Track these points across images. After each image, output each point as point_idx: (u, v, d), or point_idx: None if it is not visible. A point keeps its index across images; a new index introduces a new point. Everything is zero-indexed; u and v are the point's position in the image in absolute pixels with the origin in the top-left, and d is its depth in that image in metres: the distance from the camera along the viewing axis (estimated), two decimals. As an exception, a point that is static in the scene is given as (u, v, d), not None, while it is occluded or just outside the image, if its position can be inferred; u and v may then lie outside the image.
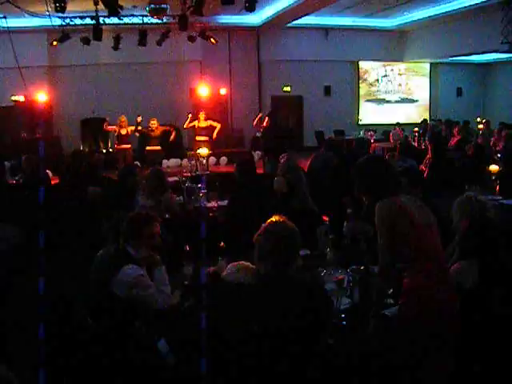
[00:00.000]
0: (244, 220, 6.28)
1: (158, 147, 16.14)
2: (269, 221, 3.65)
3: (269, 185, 7.33)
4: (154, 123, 15.98)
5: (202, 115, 16.98)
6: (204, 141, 16.51)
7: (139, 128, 16.01)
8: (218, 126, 17.08)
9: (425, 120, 24.17)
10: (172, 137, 16.56)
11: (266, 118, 18.42)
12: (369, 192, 4.21)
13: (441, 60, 26.41)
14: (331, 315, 3.69)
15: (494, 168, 9.28)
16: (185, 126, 17.42)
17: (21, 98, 20.27)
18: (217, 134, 17.03)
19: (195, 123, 16.94)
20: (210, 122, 16.94)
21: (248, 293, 3.57)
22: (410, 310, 3.77)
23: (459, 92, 27.69)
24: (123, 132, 15.97)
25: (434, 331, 3.69)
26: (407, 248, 3.82)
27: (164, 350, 3.68)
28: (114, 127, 16.24)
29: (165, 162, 18.07)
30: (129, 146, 16.27)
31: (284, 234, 3.50)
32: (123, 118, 16.06)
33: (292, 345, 3.19)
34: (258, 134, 19.13)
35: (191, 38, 19.02)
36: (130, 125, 16.08)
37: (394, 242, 3.85)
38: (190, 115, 17.23)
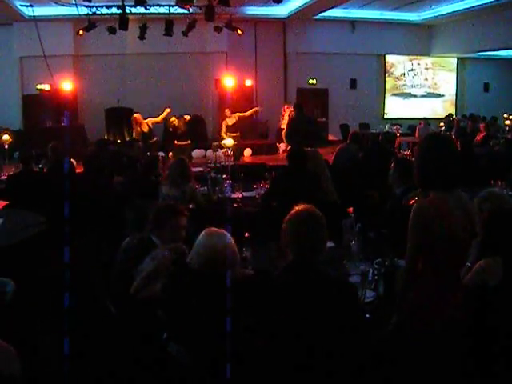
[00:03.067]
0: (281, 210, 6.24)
1: (188, 141, 16.13)
2: (296, 208, 3.60)
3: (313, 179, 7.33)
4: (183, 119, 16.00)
5: (227, 112, 16.95)
6: (234, 137, 16.38)
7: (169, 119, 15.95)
8: (249, 112, 17.25)
9: (450, 114, 24.01)
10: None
11: (287, 111, 18.30)
12: (422, 178, 3.81)
13: (468, 55, 26.12)
14: (358, 308, 3.60)
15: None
16: (223, 135, 17.10)
17: (46, 87, 20.37)
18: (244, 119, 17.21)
19: (224, 122, 16.92)
20: (237, 115, 16.92)
21: (273, 281, 3.53)
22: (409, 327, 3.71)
23: (486, 87, 27.35)
24: (145, 129, 15.59)
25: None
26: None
27: (175, 350, 3.67)
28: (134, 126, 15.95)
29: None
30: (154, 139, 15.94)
31: (310, 221, 3.45)
32: (138, 116, 15.76)
33: (316, 337, 3.17)
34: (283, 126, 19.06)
35: (217, 29, 18.96)
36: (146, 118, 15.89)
37: (420, 249, 3.68)
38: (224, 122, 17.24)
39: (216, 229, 3.89)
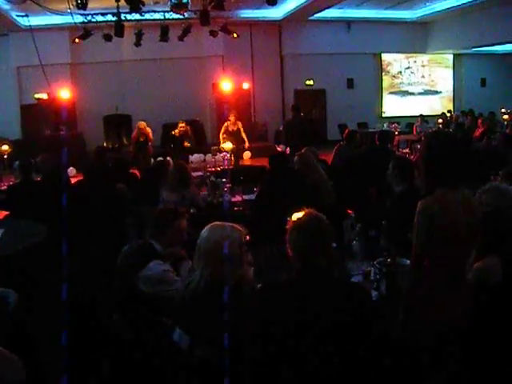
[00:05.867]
0: (271, 213, 6.25)
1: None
2: (302, 214, 3.59)
3: (297, 178, 7.31)
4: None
5: (231, 118, 16.93)
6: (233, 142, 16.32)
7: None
8: (246, 140, 17.21)
9: (449, 111, 24.06)
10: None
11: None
12: (428, 175, 3.84)
13: (464, 51, 26.13)
14: (372, 312, 3.57)
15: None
16: (221, 136, 17.13)
17: (44, 96, 20.37)
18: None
19: (225, 126, 16.84)
20: (239, 126, 16.88)
21: (282, 287, 3.53)
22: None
23: (483, 83, 27.45)
24: (142, 138, 15.57)
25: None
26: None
27: (180, 340, 3.68)
28: (135, 134, 15.89)
29: (189, 157, 17.98)
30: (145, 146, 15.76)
31: (317, 227, 3.43)
32: (142, 125, 15.72)
33: (328, 341, 3.16)
34: (281, 128, 19.04)
35: (213, 33, 19.00)
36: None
37: (425, 247, 3.67)
38: (225, 124, 17.14)
39: (219, 222, 3.87)
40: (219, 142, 16.38)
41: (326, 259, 3.39)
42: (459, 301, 3.66)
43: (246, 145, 17.49)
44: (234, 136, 16.63)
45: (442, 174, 3.69)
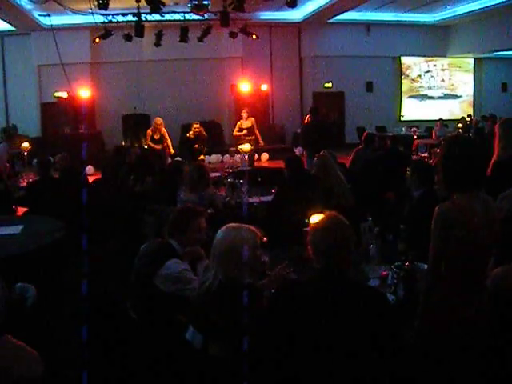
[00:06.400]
0: (286, 215, 6.26)
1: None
2: (324, 216, 3.60)
3: (312, 181, 7.30)
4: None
5: (244, 114, 16.95)
6: (250, 140, 16.35)
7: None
8: (259, 137, 17.18)
9: (469, 115, 23.92)
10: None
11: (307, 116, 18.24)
12: (446, 179, 3.74)
13: (485, 55, 25.94)
14: (389, 317, 3.55)
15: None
16: (234, 134, 17.26)
17: (64, 95, 20.54)
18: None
19: (239, 123, 16.84)
20: (252, 122, 16.86)
21: (301, 288, 3.54)
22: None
23: (504, 87, 27.19)
24: (156, 137, 15.48)
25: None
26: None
27: (193, 339, 3.70)
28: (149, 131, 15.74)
29: (206, 157, 17.95)
30: (159, 146, 15.57)
31: (341, 230, 3.44)
32: (159, 121, 15.55)
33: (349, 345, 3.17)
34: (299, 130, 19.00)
35: (232, 35, 19.03)
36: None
37: (443, 251, 3.61)
38: (238, 122, 17.14)
39: (235, 224, 3.89)
40: (237, 140, 16.40)
41: (347, 262, 3.40)
42: (476, 307, 3.60)
43: (261, 143, 17.48)
44: (250, 132, 16.64)
45: (460, 178, 3.63)
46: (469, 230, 3.51)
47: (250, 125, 16.83)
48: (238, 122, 17.03)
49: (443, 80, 27.21)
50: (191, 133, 16.17)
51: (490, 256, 3.74)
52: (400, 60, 26.30)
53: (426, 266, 4.04)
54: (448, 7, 22.15)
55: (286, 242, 5.46)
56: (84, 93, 20.40)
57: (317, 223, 3.56)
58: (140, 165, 8.92)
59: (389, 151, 10.43)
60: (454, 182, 3.68)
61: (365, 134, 11.46)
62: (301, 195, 6.77)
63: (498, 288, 3.90)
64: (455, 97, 27.38)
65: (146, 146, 15.65)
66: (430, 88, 27.04)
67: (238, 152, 14.38)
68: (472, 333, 3.56)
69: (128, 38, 17.78)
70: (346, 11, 20.72)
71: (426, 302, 3.72)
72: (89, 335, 2.44)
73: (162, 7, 13.85)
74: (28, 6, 17.68)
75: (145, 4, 13.72)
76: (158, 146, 15.42)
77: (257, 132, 17.13)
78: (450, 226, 3.53)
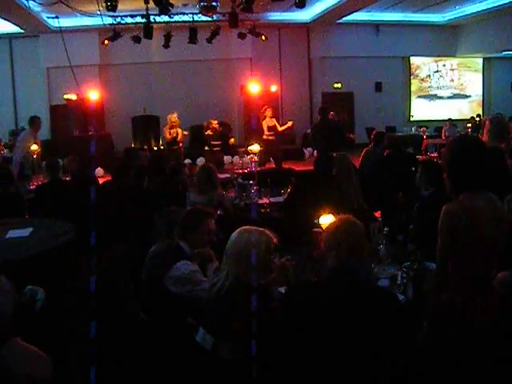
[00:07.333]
0: (302, 215, 6.24)
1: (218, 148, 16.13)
2: (338, 217, 3.62)
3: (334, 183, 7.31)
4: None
5: (268, 113, 16.53)
6: (271, 140, 16.24)
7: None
8: (282, 128, 16.79)
9: (478, 115, 23.84)
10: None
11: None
12: (452, 178, 3.74)
13: (494, 55, 25.84)
14: (399, 318, 3.53)
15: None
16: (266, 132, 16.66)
17: (73, 97, 20.56)
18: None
19: (265, 122, 16.54)
20: (274, 122, 16.65)
21: (312, 287, 3.54)
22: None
23: (513, 87, 27.08)
24: (168, 136, 15.46)
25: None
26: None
27: (203, 340, 3.70)
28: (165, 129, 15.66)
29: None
30: (175, 147, 15.59)
31: (356, 231, 3.46)
32: (174, 118, 15.45)
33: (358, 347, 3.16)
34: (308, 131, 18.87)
35: (241, 35, 19.06)
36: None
37: (450, 251, 3.60)
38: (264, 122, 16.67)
39: (249, 227, 3.90)
40: (263, 135, 16.33)
41: (360, 263, 3.39)
42: (483, 307, 3.59)
43: (284, 128, 17.03)
44: (272, 130, 16.45)
45: (467, 177, 3.64)
46: (476, 229, 3.51)
47: (272, 124, 16.57)
48: (264, 121, 16.62)
49: (452, 80, 27.12)
50: (209, 131, 16.17)
51: (498, 255, 3.71)
52: (409, 60, 26.23)
53: (434, 266, 4.03)
54: (457, 7, 22.07)
55: (299, 242, 5.45)
56: (93, 95, 20.41)
57: (331, 224, 3.59)
58: (151, 167, 8.89)
59: (398, 151, 10.38)
60: (460, 181, 3.67)
61: (374, 132, 11.43)
62: (320, 196, 6.74)
63: (505, 290, 3.89)
64: (464, 96, 27.28)
65: (162, 147, 15.62)
66: (439, 88, 26.96)
67: (248, 153, 14.32)
68: (480, 333, 3.54)
69: (137, 39, 17.84)
70: (355, 11, 20.65)
71: (433, 302, 3.71)
72: (98, 336, 2.44)
73: (170, 8, 13.86)
74: (36, 9, 17.70)
75: (153, 5, 13.73)
76: (175, 147, 15.46)
77: (279, 127, 16.78)
78: (456, 225, 3.52)
